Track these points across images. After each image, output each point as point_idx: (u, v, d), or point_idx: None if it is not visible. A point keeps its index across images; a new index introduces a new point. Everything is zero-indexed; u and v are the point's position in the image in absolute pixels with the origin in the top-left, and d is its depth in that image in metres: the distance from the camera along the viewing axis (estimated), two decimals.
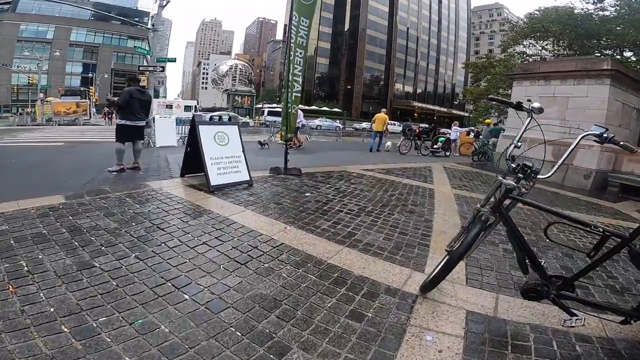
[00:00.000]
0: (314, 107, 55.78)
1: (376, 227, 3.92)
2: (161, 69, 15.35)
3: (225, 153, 5.28)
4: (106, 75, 59.03)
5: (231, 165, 5.30)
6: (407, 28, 73.97)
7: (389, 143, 13.99)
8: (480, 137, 15.23)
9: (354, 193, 5.57)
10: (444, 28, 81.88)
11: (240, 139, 5.62)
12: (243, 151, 5.53)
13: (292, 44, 6.93)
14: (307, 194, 5.20)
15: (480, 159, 12.89)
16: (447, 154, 13.71)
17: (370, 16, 70.14)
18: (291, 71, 6.93)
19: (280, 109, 39.35)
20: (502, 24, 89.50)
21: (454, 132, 17.41)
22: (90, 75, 56.67)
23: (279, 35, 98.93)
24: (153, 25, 15.37)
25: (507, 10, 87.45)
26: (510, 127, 10.62)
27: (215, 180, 4.99)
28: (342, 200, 4.98)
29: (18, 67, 48.57)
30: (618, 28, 16.05)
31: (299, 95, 7.40)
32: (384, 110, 14.34)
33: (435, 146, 13.46)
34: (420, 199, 5.62)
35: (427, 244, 3.57)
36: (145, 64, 66.92)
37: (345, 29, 72.14)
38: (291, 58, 6.85)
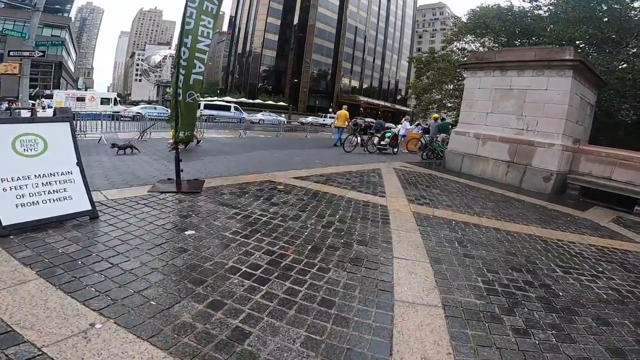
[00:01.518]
0: (258, 101, 52.67)
1: (290, 315, 2.05)
2: (41, 53, 11.81)
3: (36, 169, 3.01)
4: None
5: (49, 189, 3.04)
6: (357, 22, 73.74)
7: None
8: (429, 132, 14.33)
9: (271, 224, 3.66)
10: (391, 24, 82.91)
11: (74, 142, 3.33)
12: (79, 163, 3.28)
13: (192, 8, 4.73)
14: (187, 232, 3.16)
15: (429, 157, 11.84)
16: (395, 150, 12.46)
17: (320, 9, 68.04)
18: (189, 44, 4.80)
19: (224, 103, 36.57)
20: (443, 23, 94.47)
21: (403, 128, 16.56)
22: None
23: (225, 27, 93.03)
24: (35, 5, 11.74)
25: (448, 10, 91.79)
26: (463, 122, 9.53)
27: (10, 216, 2.74)
28: (245, 244, 3.04)
29: None
30: (552, 26, 16.19)
31: (201, 78, 5.26)
32: (345, 107, 14.03)
33: (382, 142, 12.12)
34: (370, 229, 3.89)
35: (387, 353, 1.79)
36: (61, 53, 58.79)
37: (295, 21, 69.62)
38: (190, 28, 4.73)
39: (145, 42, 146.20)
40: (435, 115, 13.96)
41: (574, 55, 7.50)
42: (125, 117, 18.91)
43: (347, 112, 13.92)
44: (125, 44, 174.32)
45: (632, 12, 14.05)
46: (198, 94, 5.46)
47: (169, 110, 29.63)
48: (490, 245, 3.87)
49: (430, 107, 24.55)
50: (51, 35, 56.77)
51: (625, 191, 7.28)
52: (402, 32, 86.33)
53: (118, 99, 32.32)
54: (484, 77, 8.98)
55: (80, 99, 26.23)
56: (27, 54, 11.61)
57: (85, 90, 56.93)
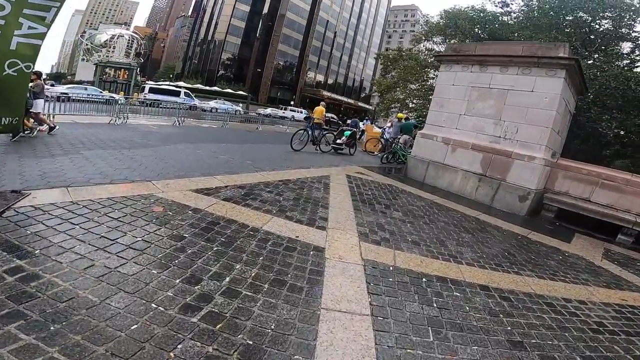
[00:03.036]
0: (215, 88, 48.90)
1: None
2: None
3: None
4: None
5: None
6: (329, 16, 71.68)
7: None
8: (388, 132, 12.94)
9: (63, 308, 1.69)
10: (363, 21, 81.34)
11: None
12: None
13: None
14: None
15: (389, 160, 10.37)
16: (352, 151, 10.84)
17: None
18: None
19: (172, 88, 32.82)
20: (413, 25, 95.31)
21: (353, 123, 15.33)
22: None
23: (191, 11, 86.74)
24: None
25: (420, 12, 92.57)
26: (431, 123, 8.09)
27: None
28: None
29: None
30: (520, 31, 15.73)
31: (37, 43, 3.21)
32: (322, 103, 12.81)
33: (338, 141, 10.43)
34: (280, 313, 2.10)
35: None
36: None
37: (265, 10, 65.93)
38: None
39: (100, 22, 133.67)
40: (400, 114, 12.58)
41: (568, 52, 6.25)
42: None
43: (323, 109, 12.93)
44: (78, 22, 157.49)
45: (596, 23, 13.86)
46: (30, 65, 3.38)
47: (102, 92, 26.01)
48: (483, 329, 2.31)
49: (393, 106, 23.49)
50: None
51: (607, 216, 6.23)
52: (372, 31, 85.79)
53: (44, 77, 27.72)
54: (460, 72, 7.56)
55: None
56: None
57: None
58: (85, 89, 25.61)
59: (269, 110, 40.53)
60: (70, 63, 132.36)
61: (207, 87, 48.22)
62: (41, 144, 5.99)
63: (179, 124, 13.06)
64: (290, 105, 50.16)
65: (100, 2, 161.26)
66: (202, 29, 72.04)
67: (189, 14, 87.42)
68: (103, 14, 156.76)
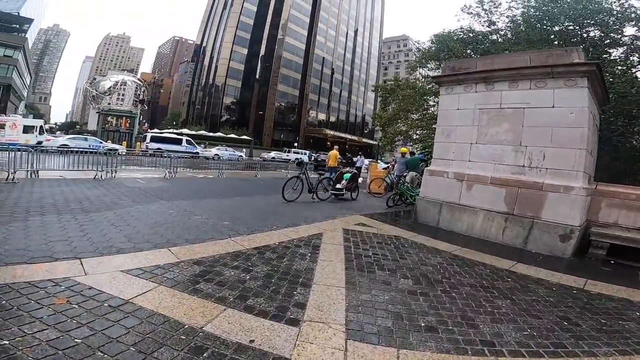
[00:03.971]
0: (219, 134, 49.36)
1: None
2: None
3: None
4: None
5: None
6: (324, 53, 74.13)
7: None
8: (393, 170, 11.89)
9: None
10: (358, 56, 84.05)
11: None
12: None
13: None
14: None
15: (397, 203, 9.20)
16: (355, 195, 9.75)
17: (288, 38, 67.50)
18: None
19: (174, 136, 32.86)
20: (407, 55, 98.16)
21: (360, 162, 14.56)
22: None
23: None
24: None
25: (411, 41, 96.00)
26: (439, 157, 7.03)
27: None
28: None
29: None
30: (514, 47, 15.33)
31: None
32: (336, 147, 13.53)
33: (338, 186, 9.38)
34: None
35: None
36: (11, 75, 53.43)
37: (262, 50, 68.52)
38: None
39: (109, 69, 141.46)
40: (404, 149, 11.57)
41: (584, 57, 5.31)
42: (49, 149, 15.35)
43: (337, 153, 13.20)
44: (89, 69, 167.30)
45: (584, 31, 13.31)
46: None
47: (102, 142, 26.07)
48: None
49: (397, 139, 22.70)
50: (3, 56, 52.32)
51: None
52: (368, 64, 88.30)
53: (45, 126, 28.10)
54: (463, 94, 6.62)
55: None
56: None
57: (34, 117, 51.45)
58: (86, 139, 25.77)
59: (272, 154, 40.40)
60: (83, 111, 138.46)
61: (211, 134, 48.58)
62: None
63: (172, 175, 12.24)
64: (294, 147, 50.19)
65: (108, 49, 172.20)
66: (203, 74, 74.30)
67: (190, 59, 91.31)
68: (111, 61, 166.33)
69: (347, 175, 9.74)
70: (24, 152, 9.68)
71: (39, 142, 21.89)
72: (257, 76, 68.58)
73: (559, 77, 5.49)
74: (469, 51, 17.16)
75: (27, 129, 23.33)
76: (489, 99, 6.28)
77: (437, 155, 7.07)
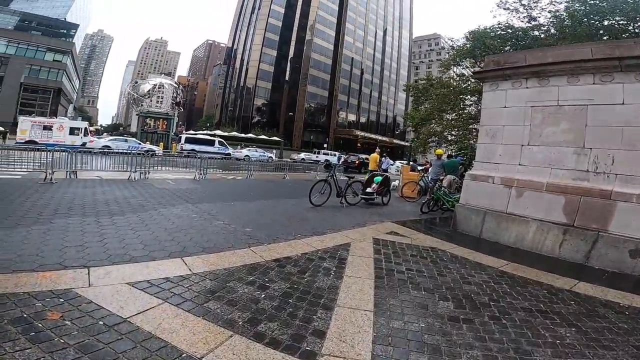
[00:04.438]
0: (250, 135, 50.24)
1: None
2: None
3: None
4: None
5: None
6: (353, 54, 73.13)
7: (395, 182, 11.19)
8: (427, 174, 11.10)
9: None
10: (388, 55, 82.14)
11: None
12: None
13: None
14: None
15: (432, 209, 8.50)
16: (386, 200, 9.15)
17: (316, 39, 67.39)
18: None
19: (207, 137, 33.71)
20: (439, 53, 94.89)
21: (386, 164, 14.66)
22: None
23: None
24: None
25: (443, 40, 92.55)
26: (483, 160, 6.30)
27: None
28: None
29: None
30: (557, 44, 14.25)
31: None
32: (377, 150, 12.97)
33: (368, 190, 8.84)
34: None
35: None
36: (61, 79, 57.82)
37: (291, 52, 68.85)
38: None
39: (149, 72, 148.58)
40: (439, 150, 10.75)
41: None
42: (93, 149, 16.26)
43: (378, 156, 12.69)
44: (132, 73, 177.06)
45: (636, 27, 12.09)
46: None
47: (141, 143, 27.16)
48: None
49: (430, 140, 21.66)
50: (53, 60, 56.50)
51: None
52: (398, 64, 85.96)
53: (91, 128, 29.76)
54: (511, 90, 5.86)
55: (47, 128, 23.58)
56: None
57: (82, 119, 55.22)
58: (126, 140, 26.83)
59: (302, 155, 40.34)
60: (126, 114, 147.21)
61: (243, 135, 49.54)
62: (21, 208, 5.31)
63: (202, 177, 12.27)
64: (324, 148, 49.91)
65: (148, 53, 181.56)
66: (234, 76, 75.73)
67: (223, 61, 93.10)
68: (151, 65, 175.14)
69: (378, 179, 9.16)
70: (63, 153, 10.10)
71: (83, 144, 23.14)
72: (287, 78, 68.91)
73: (629, 70, 4.64)
74: (507, 48, 16.28)
75: (73, 131, 24.56)
76: (543, 96, 5.49)
77: (481, 158, 6.34)
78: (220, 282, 3.11)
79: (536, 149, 5.54)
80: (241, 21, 77.43)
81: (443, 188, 8.52)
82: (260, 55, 67.04)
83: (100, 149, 20.31)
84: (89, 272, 3.01)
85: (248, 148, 33.79)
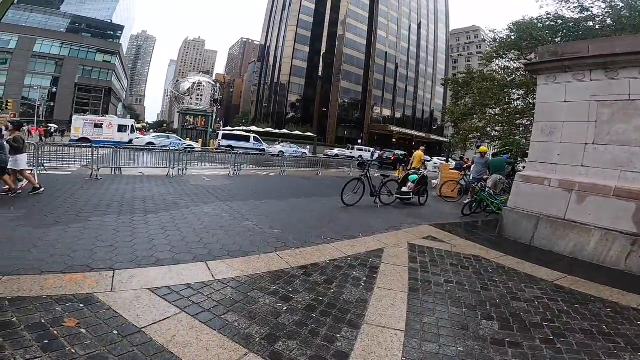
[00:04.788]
0: (284, 131, 50.78)
1: None
2: None
3: None
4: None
5: None
6: (386, 48, 71.15)
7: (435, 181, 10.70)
8: (469, 172, 10.35)
9: None
10: (423, 49, 78.94)
11: None
12: None
13: None
14: None
15: (474, 210, 7.84)
16: (423, 200, 8.62)
17: (348, 34, 66.29)
18: None
19: (243, 133, 34.55)
20: (479, 46, 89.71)
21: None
22: (53, 89, 51.70)
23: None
24: None
25: (483, 32, 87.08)
26: (537, 160, 5.62)
27: None
28: None
29: None
30: (616, 35, 12.90)
31: None
32: (422, 148, 12.42)
33: (404, 189, 8.36)
34: None
35: None
36: (112, 79, 61.99)
37: (323, 48, 68.37)
38: None
39: (189, 71, 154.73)
40: (483, 148, 9.89)
41: None
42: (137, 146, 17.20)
43: (422, 153, 11.95)
44: (173, 72, 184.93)
45: None
46: None
47: (181, 139, 28.37)
48: None
49: (472, 136, 20.40)
50: (103, 61, 60.68)
51: None
52: (435, 57, 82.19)
53: (137, 125, 31.36)
54: (572, 83, 5.15)
55: (98, 125, 25.04)
56: None
57: (130, 117, 58.86)
58: (168, 137, 28.11)
59: (336, 151, 39.95)
60: (170, 111, 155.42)
61: (277, 130, 50.18)
62: (64, 205, 5.57)
63: (236, 173, 12.44)
64: (358, 144, 49.19)
65: (187, 53, 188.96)
66: (268, 73, 76.40)
67: (257, 59, 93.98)
68: (191, 63, 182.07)
69: (414, 177, 8.63)
70: (108, 150, 10.64)
71: (130, 140, 24.47)
72: (320, 73, 68.41)
73: None
74: (558, 39, 15.05)
75: (121, 128, 25.88)
76: (611, 89, 4.76)
77: (535, 157, 5.66)
78: (241, 290, 2.94)
79: (603, 148, 4.82)
80: (273, 18, 77.93)
81: (488, 189, 7.82)
82: (293, 52, 67.06)
83: (144, 145, 21.45)
84: (113, 275, 2.99)
85: (282, 144, 34.08)
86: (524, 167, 15.49)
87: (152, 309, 2.50)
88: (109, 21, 68.14)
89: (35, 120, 38.81)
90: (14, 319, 2.21)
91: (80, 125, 24.60)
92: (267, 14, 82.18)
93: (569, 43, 6.99)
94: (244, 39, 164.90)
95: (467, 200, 8.43)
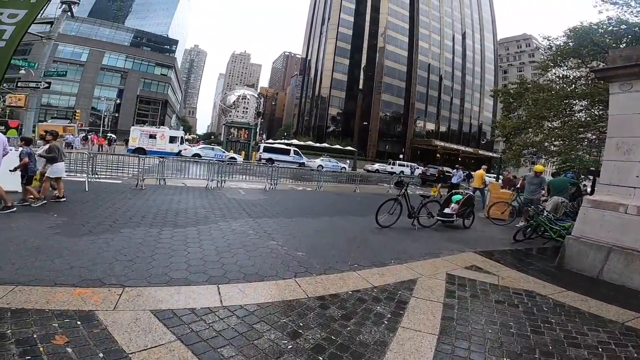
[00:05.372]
0: (325, 145, 50.78)
1: None
2: (46, 84, 11.05)
3: None
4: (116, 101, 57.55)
5: None
6: (429, 59, 68.75)
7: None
8: (521, 192, 9.28)
9: None
10: (469, 60, 75.58)
11: None
12: None
13: None
14: None
15: (529, 236, 6.88)
16: (468, 223, 7.80)
17: (388, 46, 65.45)
18: None
19: (283, 146, 35.08)
20: (532, 55, 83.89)
21: (457, 177, 13.53)
22: (118, 100, 55.20)
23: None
24: (49, 37, 11.22)
25: (536, 40, 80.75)
26: (610, 182, 4.73)
27: None
28: None
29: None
30: None
31: None
32: (484, 167, 12.45)
33: (446, 211, 7.63)
34: None
35: None
36: (168, 92, 66.06)
37: (363, 60, 67.90)
38: None
39: (236, 84, 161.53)
40: (539, 167, 8.67)
41: None
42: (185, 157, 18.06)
43: (484, 172, 11.91)
44: (222, 85, 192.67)
45: None
46: None
47: (224, 151, 29.36)
48: None
49: (527, 151, 18.72)
50: (160, 74, 63.90)
51: None
52: (482, 68, 77.87)
53: (185, 137, 32.99)
54: None
55: (152, 136, 26.35)
56: (33, 85, 10.86)
57: (183, 129, 61.93)
58: (213, 149, 29.11)
59: (376, 166, 39.10)
60: (218, 124, 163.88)
61: (317, 144, 50.26)
62: (102, 214, 5.80)
63: (272, 187, 12.43)
64: (399, 159, 47.82)
65: (234, 66, 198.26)
66: (309, 86, 76.75)
67: (299, 72, 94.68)
68: (237, 77, 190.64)
69: (457, 197, 7.85)
70: (155, 161, 11.19)
71: (179, 151, 25.64)
72: (360, 86, 67.72)
73: None
74: (623, 45, 13.67)
75: (172, 139, 27.04)
76: None
77: (608, 179, 4.77)
78: (247, 321, 2.64)
79: None
80: (313, 32, 78.89)
81: (546, 212, 6.82)
82: (333, 65, 67.06)
83: (191, 156, 22.45)
84: (121, 293, 2.89)
85: (321, 158, 34.06)
86: (584, 186, 13.74)
87: (148, 333, 2.32)
88: (165, 35, 72.03)
89: (101, 130, 42.58)
90: (8, 331, 2.18)
91: (137, 135, 26.04)
92: (307, 27, 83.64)
93: None
94: (286, 53, 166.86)
95: (521, 224, 7.47)
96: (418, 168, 37.01)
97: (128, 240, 4.43)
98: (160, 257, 3.90)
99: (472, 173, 15.17)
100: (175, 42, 74.54)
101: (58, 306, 2.57)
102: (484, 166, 12.50)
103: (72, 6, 11.52)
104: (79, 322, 2.38)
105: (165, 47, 70.68)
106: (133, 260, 3.74)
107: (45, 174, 6.47)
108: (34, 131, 15.45)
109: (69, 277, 3.12)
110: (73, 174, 9.44)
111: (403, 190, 7.16)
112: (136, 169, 10.85)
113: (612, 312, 3.46)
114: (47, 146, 6.50)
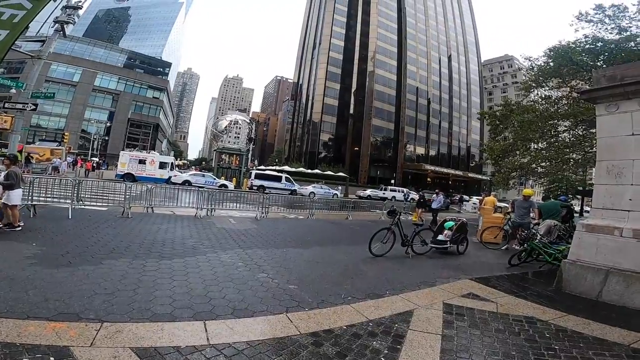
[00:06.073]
0: (316, 171, 50.78)
1: None
2: (33, 107, 10.84)
3: None
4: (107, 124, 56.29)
5: None
6: (417, 82, 70.01)
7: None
8: (512, 215, 9.29)
9: None
10: (455, 82, 77.47)
11: None
12: None
13: None
14: None
15: (524, 260, 6.79)
16: (462, 249, 7.72)
17: (378, 70, 66.44)
18: None
19: (275, 173, 34.80)
20: (514, 76, 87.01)
21: (437, 202, 13.58)
22: (108, 123, 53.40)
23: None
24: (39, 57, 11.18)
25: (517, 60, 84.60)
26: (603, 206, 4.73)
27: None
28: None
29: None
30: None
31: None
32: (494, 193, 13.11)
33: (440, 237, 7.58)
34: None
35: None
36: (160, 115, 64.18)
37: (353, 84, 68.65)
38: None
39: (229, 108, 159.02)
40: (528, 191, 8.68)
41: None
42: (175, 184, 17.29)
43: (494, 199, 11.89)
44: (214, 109, 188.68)
45: None
46: None
47: (215, 178, 28.92)
48: None
49: (515, 173, 18.96)
50: (152, 97, 61.51)
51: None
52: (469, 90, 79.74)
53: (175, 162, 32.49)
54: (639, 112, 4.40)
55: (142, 162, 25.48)
56: (20, 106, 10.61)
57: (174, 154, 59.91)
58: (203, 175, 28.25)
59: (368, 192, 38.99)
60: (210, 149, 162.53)
61: (309, 170, 50.10)
62: (84, 244, 5.53)
63: (263, 216, 12.15)
64: (391, 184, 48.01)
65: (227, 90, 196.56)
66: (301, 111, 76.50)
67: (290, 97, 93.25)
68: (229, 101, 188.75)
69: (449, 224, 7.76)
70: (142, 188, 10.92)
71: (169, 178, 24.53)
72: (351, 111, 68.02)
73: None
74: (600, 63, 14.20)
75: (162, 165, 26.19)
76: None
77: (601, 203, 4.79)
78: None
79: None
80: (305, 56, 79.59)
81: (540, 236, 6.78)
82: (324, 89, 67.39)
83: (180, 183, 21.88)
84: (99, 328, 2.71)
85: (313, 185, 33.94)
86: (571, 207, 13.78)
87: None
88: (159, 57, 71.15)
89: (90, 154, 41.45)
90: None
91: (126, 160, 25.16)
92: (299, 52, 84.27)
93: (628, 64, 6.24)
94: (278, 77, 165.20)
95: (516, 247, 7.38)
96: (411, 192, 36.95)
97: (109, 272, 4.19)
98: (144, 291, 3.68)
99: (478, 198, 15.15)
100: (169, 64, 73.86)
101: (30, 340, 2.41)
102: (493, 193, 12.66)
103: (65, 26, 11.56)
104: (52, 358, 2.22)
105: (159, 69, 70.04)
106: (114, 293, 3.52)
107: (1, 201, 5.99)
108: (20, 153, 15.01)
109: (44, 310, 2.93)
110: (57, 200, 9.15)
111: (396, 219, 7.07)
112: (122, 196, 10.56)
113: (616, 334, 3.39)
114: (4, 172, 6.10)
